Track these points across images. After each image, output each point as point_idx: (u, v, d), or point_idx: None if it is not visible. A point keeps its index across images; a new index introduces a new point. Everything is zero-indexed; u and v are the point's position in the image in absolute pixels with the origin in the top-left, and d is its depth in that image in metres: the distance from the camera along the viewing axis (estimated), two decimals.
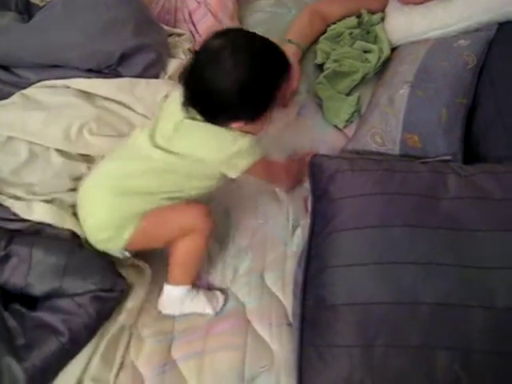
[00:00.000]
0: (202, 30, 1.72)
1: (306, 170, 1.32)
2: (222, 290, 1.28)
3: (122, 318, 1.21)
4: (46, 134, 1.38)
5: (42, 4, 1.62)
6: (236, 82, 1.05)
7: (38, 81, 1.47)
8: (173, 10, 1.76)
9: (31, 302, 1.19)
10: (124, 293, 1.22)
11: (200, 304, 1.22)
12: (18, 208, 1.28)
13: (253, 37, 1.10)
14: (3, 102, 1.44)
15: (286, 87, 1.20)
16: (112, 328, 1.19)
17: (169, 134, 1.15)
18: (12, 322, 1.13)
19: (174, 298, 1.22)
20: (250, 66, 1.06)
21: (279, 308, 1.23)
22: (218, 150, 1.14)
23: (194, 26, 1.73)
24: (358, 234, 1.15)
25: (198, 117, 1.13)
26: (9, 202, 1.29)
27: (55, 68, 1.49)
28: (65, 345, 1.11)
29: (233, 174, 1.19)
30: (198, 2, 1.75)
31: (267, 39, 1.11)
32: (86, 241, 1.25)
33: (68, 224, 1.27)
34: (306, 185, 1.38)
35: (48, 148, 1.38)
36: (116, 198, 1.19)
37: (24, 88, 1.46)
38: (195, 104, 1.11)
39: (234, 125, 1.12)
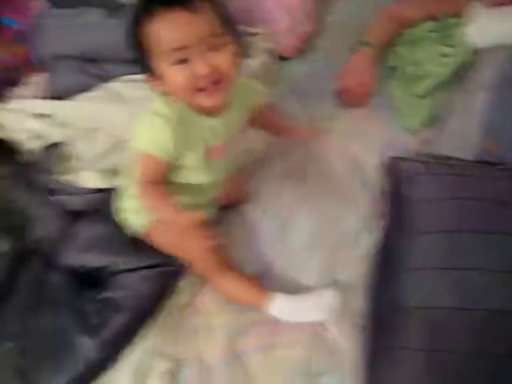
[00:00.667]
0: (280, 29, 1.73)
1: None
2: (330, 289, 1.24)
3: (183, 295, 1.26)
4: (128, 127, 1.43)
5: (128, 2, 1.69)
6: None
7: (121, 75, 1.54)
8: (248, 10, 1.77)
9: (99, 284, 1.26)
10: (183, 267, 1.27)
11: (308, 311, 1.20)
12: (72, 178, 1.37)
13: None
14: (88, 94, 1.52)
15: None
16: (175, 305, 1.24)
17: None
18: (86, 305, 1.20)
19: (277, 314, 1.21)
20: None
21: (351, 309, 1.23)
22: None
23: (272, 25, 1.74)
24: (432, 238, 1.15)
25: None
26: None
27: (136, 63, 1.54)
28: (130, 319, 1.17)
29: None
30: (277, 1, 1.76)
31: None
32: None
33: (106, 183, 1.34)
34: (378, 185, 1.39)
35: (128, 141, 1.43)
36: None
37: (109, 82, 1.53)
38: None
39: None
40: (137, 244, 1.25)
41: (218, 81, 1.01)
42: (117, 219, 1.28)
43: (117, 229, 1.27)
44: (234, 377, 1.16)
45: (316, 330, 1.21)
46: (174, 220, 1.02)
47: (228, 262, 1.25)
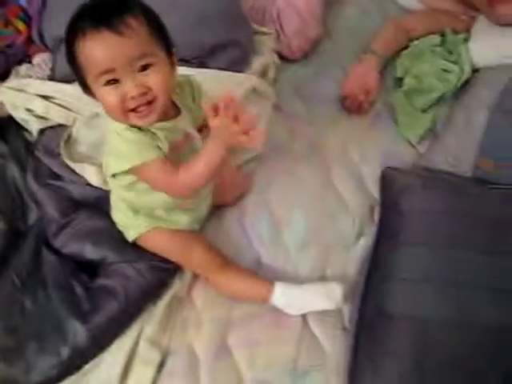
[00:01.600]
0: (288, 30, 1.75)
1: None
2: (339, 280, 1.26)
3: (174, 288, 1.26)
4: None
5: None
6: None
7: None
8: (262, 9, 1.79)
9: (94, 270, 1.26)
10: (177, 270, 1.28)
11: (317, 301, 1.22)
12: (76, 167, 1.36)
13: None
14: None
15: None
16: (166, 297, 1.25)
17: None
18: (79, 290, 1.20)
19: (282, 304, 1.22)
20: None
21: (337, 311, 1.25)
22: None
23: (281, 26, 1.76)
24: (424, 250, 1.18)
25: None
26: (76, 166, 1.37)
27: None
28: (123, 307, 1.18)
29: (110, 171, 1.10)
30: (287, 4, 1.78)
31: None
32: None
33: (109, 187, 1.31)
34: (374, 194, 1.42)
35: None
36: None
37: None
38: None
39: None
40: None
41: (150, 101, 0.99)
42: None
43: (116, 227, 1.28)
44: (221, 371, 1.18)
45: (302, 329, 1.23)
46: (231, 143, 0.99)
47: (227, 260, 1.27)
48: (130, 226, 1.23)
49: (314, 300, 1.22)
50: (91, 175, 1.34)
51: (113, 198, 1.25)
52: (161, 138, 1.04)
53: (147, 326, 1.20)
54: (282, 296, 1.21)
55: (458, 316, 1.10)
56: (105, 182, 1.33)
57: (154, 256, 1.24)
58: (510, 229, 1.18)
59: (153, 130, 1.04)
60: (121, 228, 1.26)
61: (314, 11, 1.77)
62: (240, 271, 1.26)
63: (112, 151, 1.07)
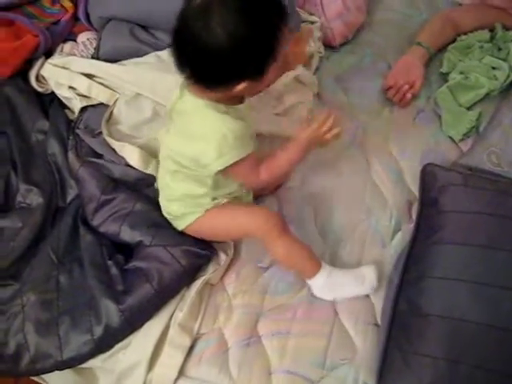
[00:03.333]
0: (330, 14, 1.72)
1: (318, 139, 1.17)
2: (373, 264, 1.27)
3: (207, 275, 1.26)
4: (172, 97, 1.44)
5: None
6: (232, 35, 0.92)
7: None
8: None
9: (130, 254, 1.27)
10: (213, 254, 1.28)
11: (353, 286, 1.22)
12: (115, 147, 1.37)
13: None
14: (138, 59, 1.52)
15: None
16: (199, 282, 1.24)
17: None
18: (114, 270, 1.22)
19: (319, 287, 1.23)
20: (245, 14, 0.93)
21: (368, 306, 1.24)
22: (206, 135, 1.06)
23: (323, 9, 1.73)
24: (463, 250, 1.16)
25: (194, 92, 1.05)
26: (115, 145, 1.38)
27: None
28: (157, 291, 1.18)
29: (214, 169, 1.09)
30: None
31: None
32: None
33: (150, 169, 1.34)
34: (413, 189, 1.39)
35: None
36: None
37: (159, 50, 1.52)
38: (191, 73, 1.00)
39: (239, 87, 1.00)
40: (172, 228, 1.27)
41: None
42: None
43: (154, 208, 1.29)
44: (250, 358, 1.18)
45: (333, 322, 1.22)
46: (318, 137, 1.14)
47: (287, 227, 1.23)
48: (189, 212, 1.22)
49: (349, 286, 1.23)
50: (131, 156, 1.35)
51: (172, 186, 1.22)
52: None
53: (179, 310, 1.21)
54: (326, 277, 1.21)
55: (493, 318, 1.07)
56: (145, 163, 1.34)
57: (190, 242, 1.24)
58: None
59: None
60: (173, 218, 1.26)
61: None
62: (298, 241, 1.23)
63: (213, 141, 1.04)
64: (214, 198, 1.21)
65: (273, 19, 0.96)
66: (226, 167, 1.07)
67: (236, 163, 1.07)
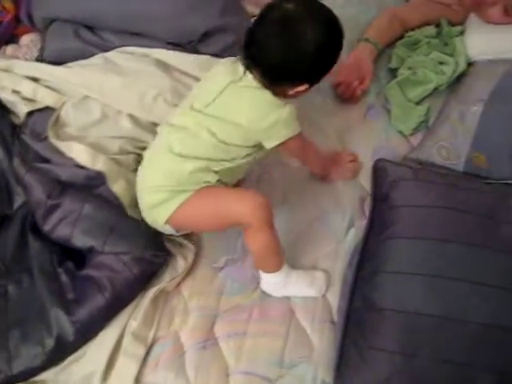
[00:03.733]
0: None
1: (331, 170, 1.41)
2: (325, 271, 1.29)
3: (163, 283, 1.24)
4: (121, 98, 1.42)
5: None
6: (315, 44, 1.09)
7: (120, 46, 1.51)
8: None
9: (81, 260, 1.24)
10: (167, 260, 1.26)
11: (303, 287, 1.24)
12: (64, 148, 1.33)
13: (321, 3, 1.16)
14: (84, 61, 1.49)
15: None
16: (153, 290, 1.23)
17: (209, 98, 1.17)
18: (64, 278, 1.19)
19: (273, 283, 1.23)
20: (327, 30, 1.12)
21: (324, 304, 1.25)
22: (260, 116, 1.14)
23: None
24: (415, 243, 1.17)
25: (247, 82, 1.14)
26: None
27: (138, 36, 1.51)
28: (109, 301, 1.16)
29: (270, 144, 1.18)
30: None
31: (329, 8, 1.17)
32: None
33: (98, 165, 1.30)
34: (365, 185, 1.41)
35: (120, 112, 1.42)
36: (174, 157, 1.17)
37: (106, 51, 1.50)
38: (261, 66, 1.12)
39: (300, 87, 1.14)
40: (124, 230, 1.24)
41: None
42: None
43: (105, 208, 1.26)
44: (207, 361, 1.18)
45: (290, 322, 1.23)
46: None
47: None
48: (173, 197, 1.17)
49: (300, 286, 1.24)
50: (79, 154, 1.32)
51: (176, 165, 1.18)
52: None
53: (132, 319, 1.19)
54: (283, 277, 1.23)
55: (447, 310, 1.09)
56: (93, 159, 1.31)
57: (144, 246, 1.22)
58: (500, 224, 1.18)
59: None
60: (153, 207, 1.20)
61: None
62: (276, 234, 1.21)
63: (273, 120, 1.13)
64: (217, 174, 1.19)
65: (341, 39, 1.15)
66: (289, 139, 1.17)
67: (294, 137, 1.18)
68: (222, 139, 1.16)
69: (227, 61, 1.22)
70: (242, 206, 1.15)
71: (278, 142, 1.17)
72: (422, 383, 1.07)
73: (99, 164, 1.31)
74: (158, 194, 1.18)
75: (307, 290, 1.25)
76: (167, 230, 1.24)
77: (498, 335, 1.07)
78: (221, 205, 1.18)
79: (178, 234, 1.29)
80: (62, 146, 1.33)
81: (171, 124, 1.22)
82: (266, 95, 1.14)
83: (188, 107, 1.20)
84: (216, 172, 1.18)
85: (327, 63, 1.16)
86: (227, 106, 1.16)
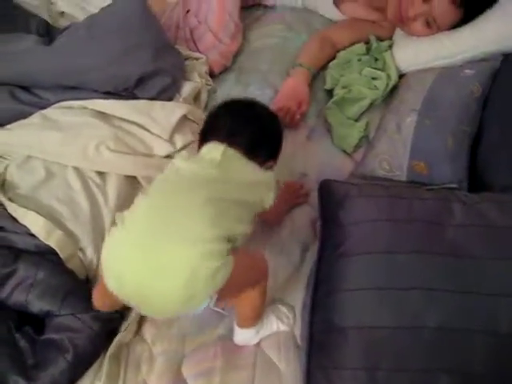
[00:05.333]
0: (203, 48, 1.78)
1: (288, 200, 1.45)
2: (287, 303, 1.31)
3: (118, 336, 1.23)
4: (63, 153, 1.42)
5: (62, 27, 1.67)
6: (277, 129, 1.29)
7: (57, 101, 1.52)
8: (174, 28, 1.81)
9: (40, 324, 1.23)
10: (124, 315, 1.26)
11: (274, 325, 1.25)
12: (18, 214, 1.32)
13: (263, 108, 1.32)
14: (23, 121, 1.49)
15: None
16: (112, 347, 1.21)
17: (216, 161, 1.13)
18: (23, 343, 1.17)
19: (249, 336, 1.23)
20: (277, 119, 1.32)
21: (289, 332, 1.26)
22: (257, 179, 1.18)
23: (195, 44, 1.79)
24: (365, 259, 1.19)
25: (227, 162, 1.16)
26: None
27: (74, 89, 1.53)
28: (72, 363, 1.14)
29: (269, 201, 1.18)
30: (199, 21, 1.81)
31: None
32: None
33: (51, 241, 1.28)
34: (315, 207, 1.43)
35: (66, 166, 1.42)
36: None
37: (43, 108, 1.51)
38: (242, 145, 1.18)
39: (270, 163, 1.25)
40: (79, 293, 1.23)
41: None
42: None
43: (58, 273, 1.25)
44: None
45: (256, 353, 1.23)
46: None
47: None
48: (219, 271, 0.99)
49: (271, 327, 1.25)
50: (34, 224, 1.30)
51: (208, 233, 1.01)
52: None
53: (97, 380, 1.18)
54: (258, 330, 1.24)
55: (401, 320, 1.11)
56: (47, 233, 1.29)
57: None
58: (445, 228, 1.20)
59: None
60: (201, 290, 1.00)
61: (227, 28, 1.80)
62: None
63: (269, 186, 1.19)
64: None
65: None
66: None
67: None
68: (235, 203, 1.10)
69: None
70: (265, 265, 1.17)
71: (273, 195, 1.18)
72: None
73: (52, 240, 1.29)
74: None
75: (278, 326, 1.25)
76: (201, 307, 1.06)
77: (452, 338, 1.09)
78: (250, 268, 1.15)
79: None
80: (19, 212, 1.32)
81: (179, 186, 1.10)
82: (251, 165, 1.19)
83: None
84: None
85: (280, 141, 1.30)
86: (233, 168, 1.16)
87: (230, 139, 1.18)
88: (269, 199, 1.18)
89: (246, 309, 1.19)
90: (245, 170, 1.17)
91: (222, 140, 1.17)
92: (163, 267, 0.97)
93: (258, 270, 1.16)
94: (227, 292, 1.05)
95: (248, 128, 1.22)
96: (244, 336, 1.23)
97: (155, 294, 0.99)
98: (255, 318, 1.21)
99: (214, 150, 1.16)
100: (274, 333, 1.26)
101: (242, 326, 1.22)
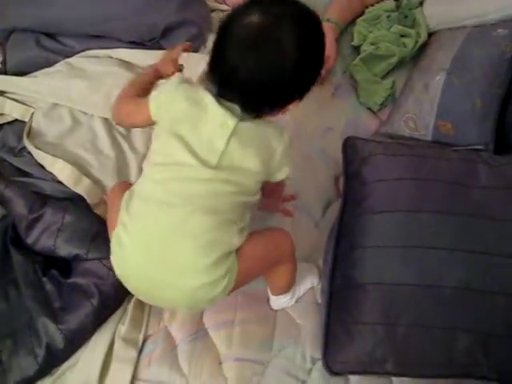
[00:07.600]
0: (229, 0, 1.74)
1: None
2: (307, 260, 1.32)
3: None
4: (88, 102, 1.42)
5: None
6: (297, 61, 0.90)
7: (82, 50, 1.51)
8: None
9: (67, 268, 1.25)
10: None
11: (306, 284, 1.27)
12: (46, 162, 1.33)
13: (295, 4, 0.94)
14: (48, 69, 1.49)
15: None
16: None
17: (218, 146, 0.97)
18: (49, 287, 1.19)
19: (285, 301, 1.24)
20: (308, 40, 0.93)
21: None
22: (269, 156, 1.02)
23: None
24: (388, 217, 1.19)
25: (245, 115, 0.98)
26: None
27: (99, 38, 1.52)
28: (97, 307, 1.17)
29: (281, 174, 1.07)
30: None
31: (306, 6, 0.95)
32: None
33: (79, 188, 1.30)
34: (339, 164, 1.42)
35: (92, 116, 1.43)
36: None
37: (68, 56, 1.50)
38: (239, 97, 0.95)
39: (290, 106, 0.99)
40: (106, 236, 1.20)
41: None
42: None
43: (85, 217, 1.27)
44: (198, 352, 1.20)
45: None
46: None
47: None
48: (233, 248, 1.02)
49: (304, 286, 1.27)
50: (62, 172, 1.32)
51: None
52: None
53: (121, 324, 1.21)
54: (292, 290, 1.25)
55: (423, 278, 1.12)
56: (74, 181, 1.31)
57: None
58: (469, 189, 1.20)
59: None
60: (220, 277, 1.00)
61: None
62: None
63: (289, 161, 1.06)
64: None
65: (324, 43, 0.98)
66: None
67: None
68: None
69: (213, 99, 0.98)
70: (288, 242, 1.14)
71: (287, 168, 1.07)
72: (405, 350, 1.10)
73: (80, 188, 1.31)
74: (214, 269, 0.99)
75: (309, 282, 1.27)
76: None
77: (472, 297, 1.10)
78: (270, 247, 1.11)
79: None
80: (47, 159, 1.33)
81: (170, 202, 0.98)
82: (267, 128, 1.01)
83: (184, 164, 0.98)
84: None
85: (313, 72, 0.99)
86: (241, 152, 0.98)
87: (227, 91, 0.95)
88: (285, 168, 1.06)
89: (277, 280, 1.19)
90: (250, 151, 0.98)
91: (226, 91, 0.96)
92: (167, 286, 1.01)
93: (280, 248, 1.13)
94: (248, 278, 1.10)
95: (259, 69, 0.90)
96: (280, 302, 1.24)
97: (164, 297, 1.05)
98: (288, 286, 1.22)
99: (219, 139, 0.97)
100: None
101: (276, 293, 1.23)
